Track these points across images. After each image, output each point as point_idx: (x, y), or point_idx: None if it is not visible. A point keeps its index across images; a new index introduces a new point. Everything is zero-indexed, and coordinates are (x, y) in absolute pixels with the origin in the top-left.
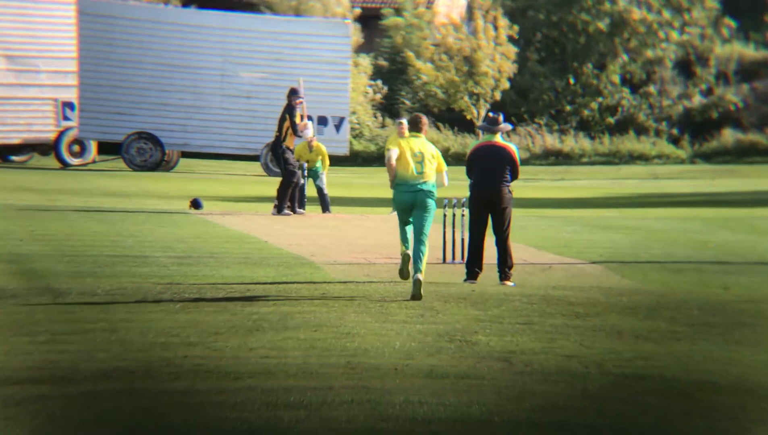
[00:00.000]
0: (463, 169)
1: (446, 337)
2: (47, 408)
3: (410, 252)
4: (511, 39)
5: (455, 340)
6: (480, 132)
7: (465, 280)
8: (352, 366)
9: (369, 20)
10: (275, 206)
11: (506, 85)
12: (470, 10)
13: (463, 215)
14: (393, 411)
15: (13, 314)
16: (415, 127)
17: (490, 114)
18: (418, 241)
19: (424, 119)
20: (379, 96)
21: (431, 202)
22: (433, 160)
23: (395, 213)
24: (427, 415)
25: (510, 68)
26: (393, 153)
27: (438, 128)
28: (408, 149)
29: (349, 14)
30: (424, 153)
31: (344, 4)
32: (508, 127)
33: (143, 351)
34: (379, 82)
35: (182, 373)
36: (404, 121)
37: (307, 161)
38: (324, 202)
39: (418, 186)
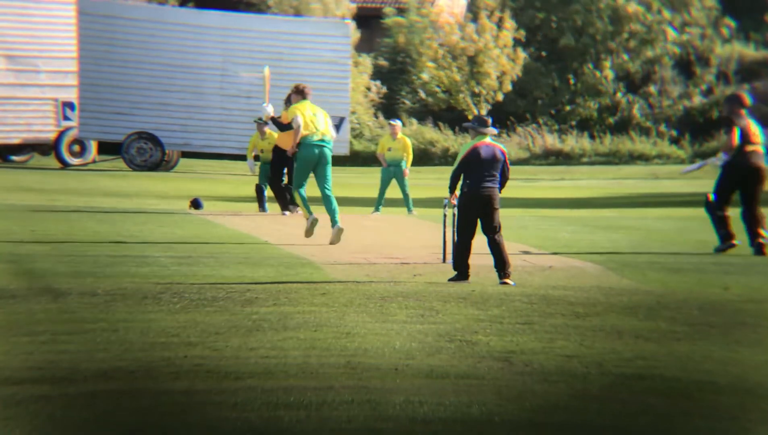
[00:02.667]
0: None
1: (446, 337)
2: (47, 408)
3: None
4: (515, 40)
5: (455, 340)
6: (471, 131)
7: (451, 279)
8: (352, 366)
9: (369, 20)
10: (281, 207)
11: (509, 87)
12: (473, 9)
13: None
14: (393, 411)
15: (13, 314)
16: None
17: (483, 116)
18: (327, 196)
19: (309, 88)
20: (377, 97)
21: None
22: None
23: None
24: (427, 415)
25: (514, 69)
26: (298, 119)
27: (438, 128)
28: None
29: (349, 13)
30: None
31: (344, 4)
32: (494, 131)
33: (143, 351)
34: (378, 83)
35: (182, 373)
36: (397, 122)
37: (261, 151)
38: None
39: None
